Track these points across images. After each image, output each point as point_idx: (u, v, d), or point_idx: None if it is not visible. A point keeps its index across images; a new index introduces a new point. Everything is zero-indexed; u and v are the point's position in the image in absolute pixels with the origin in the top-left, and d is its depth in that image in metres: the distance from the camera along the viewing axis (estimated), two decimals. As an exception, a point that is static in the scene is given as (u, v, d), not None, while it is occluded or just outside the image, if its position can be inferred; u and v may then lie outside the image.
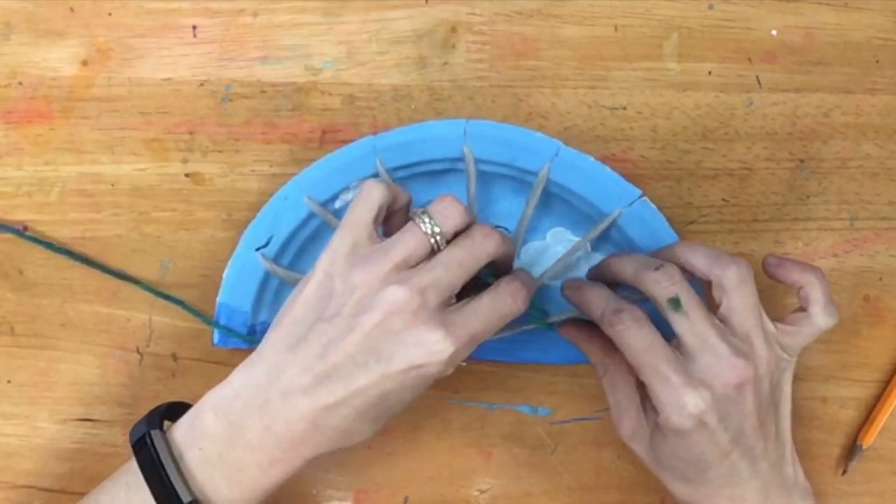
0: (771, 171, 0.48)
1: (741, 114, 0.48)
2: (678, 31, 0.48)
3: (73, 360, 0.47)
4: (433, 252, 0.38)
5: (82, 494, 0.40)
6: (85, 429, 0.47)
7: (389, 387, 0.36)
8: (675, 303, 0.39)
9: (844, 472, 0.49)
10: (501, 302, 0.38)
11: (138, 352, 0.47)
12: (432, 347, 0.36)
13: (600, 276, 0.43)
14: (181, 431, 0.38)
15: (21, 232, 0.47)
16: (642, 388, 0.41)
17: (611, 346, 0.41)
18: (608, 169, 0.45)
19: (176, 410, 0.40)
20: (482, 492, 0.48)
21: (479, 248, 0.38)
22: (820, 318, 0.41)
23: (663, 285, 0.39)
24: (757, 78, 0.48)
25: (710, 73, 0.48)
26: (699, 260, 0.41)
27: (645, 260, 0.41)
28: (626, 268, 0.41)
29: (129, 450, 0.39)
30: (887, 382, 0.49)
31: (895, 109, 0.49)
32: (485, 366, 0.48)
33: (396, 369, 0.36)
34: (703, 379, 0.38)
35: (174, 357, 0.48)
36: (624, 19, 0.48)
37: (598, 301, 0.40)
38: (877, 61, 0.49)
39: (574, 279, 0.44)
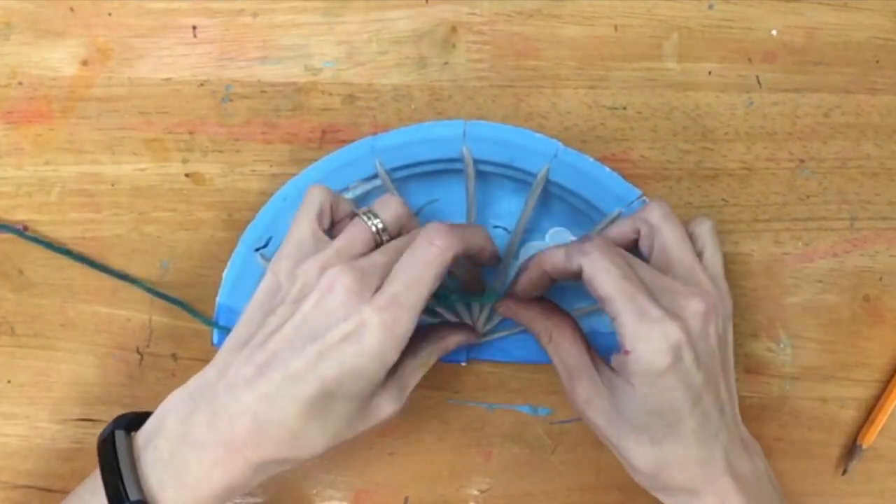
0: (771, 171, 0.48)
1: (741, 114, 0.48)
2: (678, 31, 0.48)
3: (73, 360, 0.47)
4: (377, 246, 0.38)
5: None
6: (85, 429, 0.47)
7: (326, 371, 0.35)
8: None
9: (844, 472, 0.49)
10: (416, 252, 0.37)
11: (138, 352, 0.47)
12: (365, 316, 0.35)
13: (530, 282, 0.41)
14: (142, 433, 0.38)
15: (21, 231, 0.47)
16: (591, 351, 0.40)
17: (552, 309, 0.40)
18: (608, 169, 0.45)
19: (145, 418, 0.40)
20: (482, 492, 0.48)
21: (424, 238, 0.37)
22: (656, 219, 0.40)
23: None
24: (757, 78, 0.48)
25: (710, 73, 0.48)
26: (622, 224, 0.40)
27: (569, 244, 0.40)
28: (555, 255, 0.39)
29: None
30: (887, 382, 0.49)
31: (895, 109, 0.49)
32: (485, 366, 0.48)
33: (330, 344, 0.35)
34: (671, 311, 0.36)
35: (174, 357, 0.48)
36: (624, 19, 0.48)
37: (556, 248, 0.39)
38: (877, 61, 0.49)
39: (523, 271, 0.42)
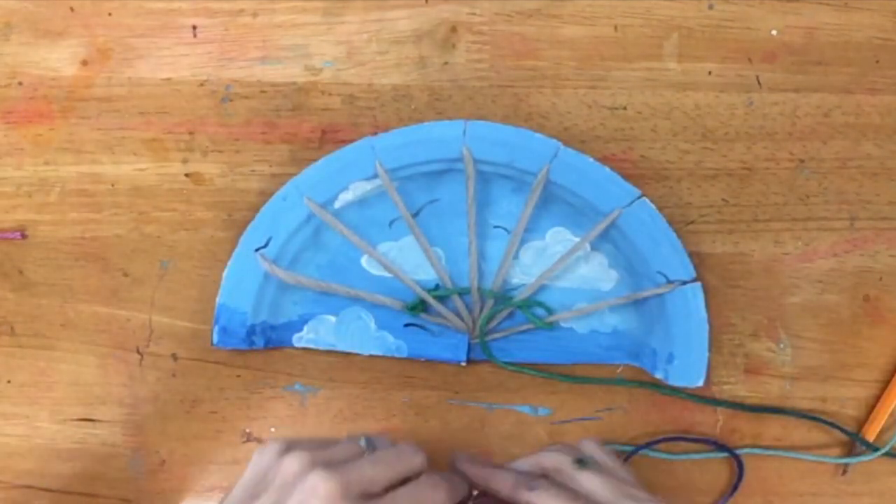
0: (771, 171, 0.48)
1: (741, 114, 0.48)
2: (678, 31, 0.48)
3: (73, 360, 0.47)
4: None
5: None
6: (85, 429, 0.47)
7: None
8: (582, 462, 0.39)
9: (844, 472, 0.49)
10: (422, 492, 0.38)
11: (138, 352, 0.47)
12: None
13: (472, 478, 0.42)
14: None
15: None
16: None
17: None
18: (607, 169, 0.45)
19: None
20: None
21: (432, 481, 0.38)
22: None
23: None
24: (757, 78, 0.48)
25: (710, 73, 0.48)
26: (550, 459, 0.41)
27: (519, 476, 0.40)
28: (504, 481, 0.40)
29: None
30: (887, 382, 0.49)
31: (895, 109, 0.49)
32: (485, 366, 0.48)
33: None
34: None
35: (174, 357, 0.48)
36: (624, 19, 0.48)
37: (507, 475, 0.40)
38: (877, 61, 0.49)
39: (469, 459, 0.42)
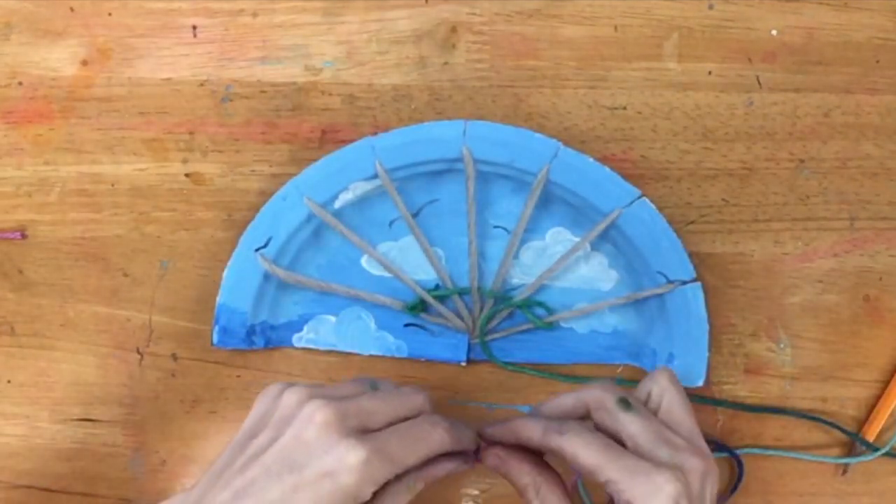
0: (771, 171, 0.48)
1: (741, 114, 0.48)
2: (678, 31, 0.48)
3: (73, 360, 0.47)
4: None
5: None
6: (85, 429, 0.47)
7: (302, 500, 0.35)
8: (626, 403, 0.38)
9: (844, 472, 0.49)
10: (420, 427, 0.38)
11: (138, 352, 0.47)
12: (344, 455, 0.35)
13: (501, 438, 0.41)
14: None
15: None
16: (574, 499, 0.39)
17: (541, 465, 0.40)
18: (607, 169, 0.45)
19: None
20: (482, 492, 0.48)
21: (430, 420, 0.38)
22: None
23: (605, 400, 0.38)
24: (757, 78, 0.48)
25: (710, 73, 0.48)
26: (594, 395, 0.39)
27: (550, 422, 0.39)
28: (532, 430, 0.39)
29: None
30: (887, 382, 0.49)
31: (895, 109, 0.49)
32: (485, 366, 0.48)
33: (308, 479, 0.35)
34: (670, 462, 0.36)
35: (174, 357, 0.48)
36: (624, 19, 0.48)
37: (536, 424, 0.39)
38: (877, 61, 0.49)
39: (491, 424, 0.41)
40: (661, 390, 0.39)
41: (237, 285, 0.46)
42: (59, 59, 0.47)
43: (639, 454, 0.37)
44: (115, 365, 0.47)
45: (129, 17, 0.47)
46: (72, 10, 0.47)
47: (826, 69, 0.48)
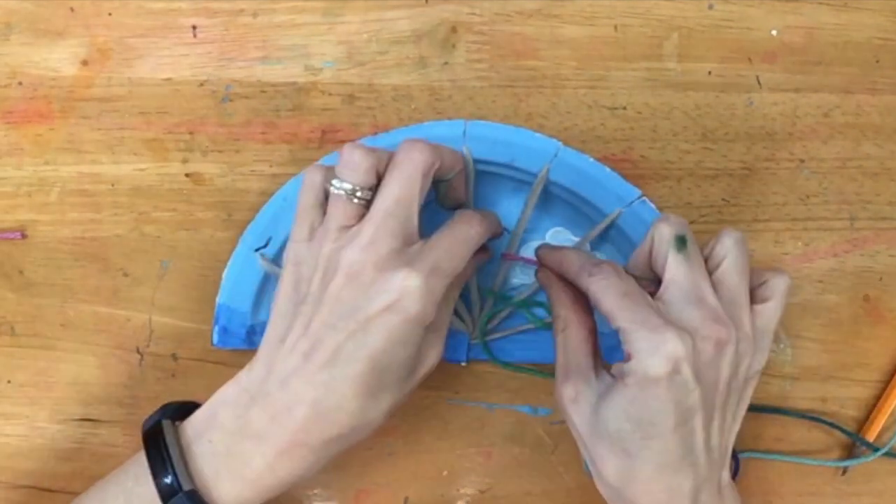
0: (771, 171, 0.48)
1: (741, 114, 0.48)
2: (678, 31, 0.48)
3: (73, 360, 0.47)
4: (368, 203, 0.38)
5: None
6: (85, 429, 0.47)
7: (374, 344, 0.35)
8: (682, 241, 0.36)
9: (844, 472, 0.49)
10: (458, 229, 0.38)
11: (138, 352, 0.47)
12: (399, 284, 0.35)
13: (547, 262, 0.42)
14: (192, 425, 0.39)
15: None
16: (597, 357, 0.39)
17: (581, 305, 0.40)
18: (608, 169, 0.45)
19: (189, 409, 0.40)
20: (482, 492, 0.48)
21: (409, 168, 0.37)
22: (773, 277, 0.39)
23: (671, 224, 0.37)
24: (757, 78, 0.48)
25: (710, 73, 0.48)
26: (659, 230, 0.38)
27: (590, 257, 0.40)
28: (573, 262, 0.39)
29: (129, 456, 0.39)
30: (887, 382, 0.49)
31: (895, 109, 0.49)
32: (485, 366, 0.48)
33: (372, 317, 0.35)
34: (686, 326, 0.35)
35: (174, 357, 0.48)
36: (624, 19, 0.48)
37: (577, 257, 0.39)
38: (877, 61, 0.49)
39: (548, 245, 0.42)
40: (725, 250, 0.38)
41: (237, 285, 0.46)
42: (59, 59, 0.47)
43: (665, 306, 0.36)
44: (115, 365, 0.47)
45: (129, 17, 0.47)
46: (72, 10, 0.47)
47: (826, 69, 0.48)
